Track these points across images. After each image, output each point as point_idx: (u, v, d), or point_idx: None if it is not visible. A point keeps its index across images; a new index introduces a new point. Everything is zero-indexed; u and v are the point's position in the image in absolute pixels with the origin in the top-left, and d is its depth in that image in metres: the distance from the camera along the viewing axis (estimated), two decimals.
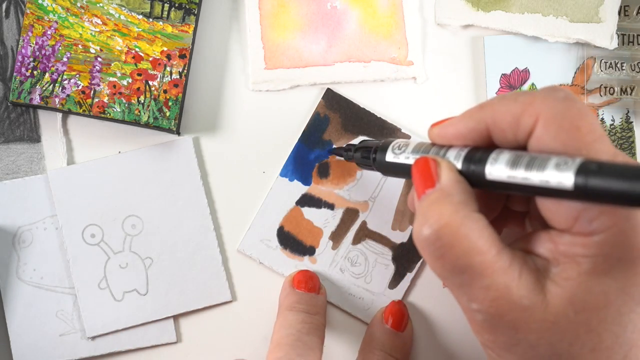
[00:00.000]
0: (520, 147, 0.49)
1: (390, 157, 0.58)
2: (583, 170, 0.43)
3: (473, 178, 0.50)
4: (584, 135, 0.46)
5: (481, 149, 0.50)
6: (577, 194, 0.44)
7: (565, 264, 0.47)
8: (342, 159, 0.68)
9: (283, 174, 0.69)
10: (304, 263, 0.69)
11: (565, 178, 0.44)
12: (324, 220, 0.69)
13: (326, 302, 0.68)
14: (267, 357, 0.60)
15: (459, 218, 0.48)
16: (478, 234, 0.47)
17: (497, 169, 0.48)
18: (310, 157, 0.69)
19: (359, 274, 0.69)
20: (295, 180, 0.69)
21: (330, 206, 0.69)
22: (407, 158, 0.56)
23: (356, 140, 0.69)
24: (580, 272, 0.47)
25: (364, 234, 0.69)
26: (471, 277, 0.47)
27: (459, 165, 0.51)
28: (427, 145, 0.54)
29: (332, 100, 0.69)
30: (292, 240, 0.69)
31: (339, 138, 0.69)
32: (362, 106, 0.70)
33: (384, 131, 0.69)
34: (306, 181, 0.69)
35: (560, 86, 0.48)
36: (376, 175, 0.69)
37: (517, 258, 0.48)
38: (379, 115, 0.70)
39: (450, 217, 0.48)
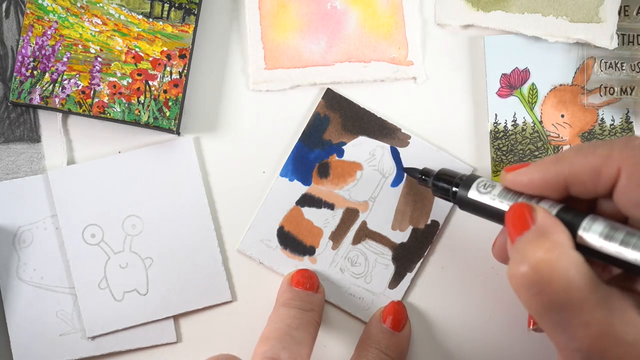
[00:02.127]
0: (598, 197, 0.50)
1: (474, 194, 0.58)
2: None
3: None
4: None
5: (573, 211, 0.51)
6: None
7: None
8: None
9: (283, 174, 0.69)
10: (304, 263, 0.69)
11: None
12: (324, 220, 0.69)
13: (324, 301, 0.68)
14: (254, 350, 0.60)
15: (557, 254, 0.48)
16: (576, 270, 0.47)
17: (589, 237, 0.49)
18: (310, 157, 0.69)
19: (359, 274, 0.69)
20: (295, 180, 0.69)
21: (330, 206, 0.69)
22: (492, 200, 0.56)
23: (357, 141, 0.69)
24: None
25: (364, 233, 0.69)
26: (570, 313, 0.47)
27: None
28: (515, 193, 0.55)
29: (332, 100, 0.70)
30: (292, 240, 0.69)
31: (339, 138, 0.69)
32: (362, 106, 0.70)
33: (384, 131, 0.69)
34: (306, 181, 0.69)
35: (637, 135, 0.50)
36: (376, 175, 0.69)
37: (616, 294, 0.48)
38: (379, 115, 0.70)
39: (547, 253, 0.48)
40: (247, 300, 0.70)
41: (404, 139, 0.69)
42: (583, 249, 0.49)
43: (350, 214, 0.69)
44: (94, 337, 0.68)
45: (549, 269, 0.47)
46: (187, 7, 0.67)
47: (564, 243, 0.49)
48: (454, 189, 0.60)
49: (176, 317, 0.69)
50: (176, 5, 0.67)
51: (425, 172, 0.65)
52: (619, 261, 0.48)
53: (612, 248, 0.48)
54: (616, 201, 0.50)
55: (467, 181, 0.59)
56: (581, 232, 0.50)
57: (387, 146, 0.69)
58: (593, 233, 0.49)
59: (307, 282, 0.67)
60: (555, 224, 0.50)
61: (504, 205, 0.55)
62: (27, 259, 0.68)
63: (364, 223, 0.69)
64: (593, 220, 0.50)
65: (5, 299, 0.67)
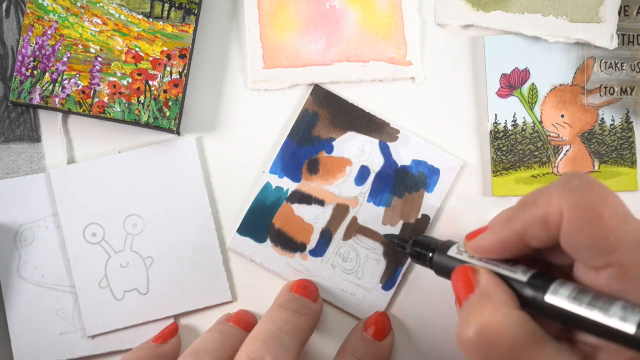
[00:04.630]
0: (557, 242, 0.51)
1: (453, 252, 0.59)
2: None
3: (533, 304, 0.51)
4: (608, 221, 0.47)
5: (544, 276, 0.51)
6: (639, 345, 0.45)
7: (614, 350, 0.48)
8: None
9: (272, 171, 0.69)
10: (295, 259, 0.69)
11: (628, 328, 0.46)
12: (315, 216, 0.69)
13: (320, 312, 0.68)
14: (240, 348, 0.59)
15: (500, 316, 0.49)
16: (520, 330, 0.48)
17: (556, 301, 0.50)
18: (299, 154, 0.69)
19: (351, 269, 0.69)
20: (285, 177, 0.69)
21: (320, 202, 0.69)
22: (470, 257, 0.57)
23: (346, 136, 0.69)
24: (627, 357, 0.47)
25: (355, 229, 0.69)
26: None
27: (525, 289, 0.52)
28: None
29: (321, 96, 0.70)
30: (283, 237, 0.69)
31: (327, 134, 0.69)
32: (350, 101, 0.70)
33: (373, 126, 0.69)
34: (296, 178, 0.69)
35: (575, 172, 0.50)
36: (366, 170, 0.69)
37: (563, 349, 0.49)
38: (367, 110, 0.70)
39: (490, 317, 0.49)
40: (247, 300, 0.70)
41: (393, 134, 0.69)
42: (550, 311, 0.50)
43: (341, 210, 0.69)
44: (94, 336, 0.68)
45: (492, 332, 0.48)
46: (187, 7, 0.68)
47: (506, 303, 0.50)
48: (430, 254, 0.61)
49: (176, 317, 0.69)
50: (176, 5, 0.68)
51: (403, 239, 0.66)
52: (585, 323, 0.48)
53: (580, 311, 0.48)
54: (562, 246, 0.50)
55: (444, 246, 0.60)
56: (549, 297, 0.50)
57: (376, 141, 0.69)
58: (560, 297, 0.49)
59: (307, 288, 0.67)
60: (497, 285, 0.52)
61: (481, 263, 0.56)
62: (28, 258, 0.68)
63: (354, 218, 0.69)
64: (560, 285, 0.50)
65: (6, 297, 0.68)
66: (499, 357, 0.48)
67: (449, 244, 0.60)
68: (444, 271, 0.60)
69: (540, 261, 0.55)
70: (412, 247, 0.64)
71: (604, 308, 0.47)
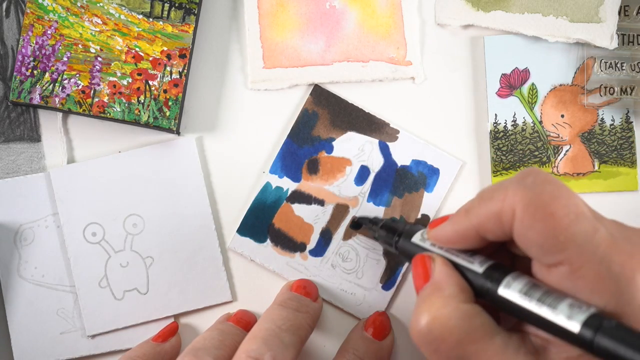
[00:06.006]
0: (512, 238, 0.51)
1: (417, 239, 0.59)
2: (591, 324, 0.46)
3: (487, 296, 0.52)
4: (559, 220, 0.47)
5: (501, 268, 0.52)
6: (582, 344, 0.46)
7: (564, 345, 0.48)
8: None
9: (272, 171, 0.69)
10: (295, 259, 0.69)
11: (573, 326, 0.46)
12: (315, 216, 0.69)
13: (320, 312, 0.67)
14: (240, 346, 0.59)
15: (447, 311, 0.50)
16: (467, 324, 0.49)
17: (508, 294, 0.50)
18: (299, 154, 0.69)
19: (351, 269, 0.69)
20: (285, 177, 0.69)
21: (321, 202, 0.69)
22: (432, 246, 0.57)
23: (346, 136, 0.69)
24: (580, 351, 0.47)
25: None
26: None
27: (480, 280, 0.53)
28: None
29: (321, 96, 0.70)
30: (283, 237, 0.69)
31: (327, 134, 0.69)
32: (350, 102, 0.70)
33: (373, 126, 0.69)
34: (296, 178, 0.69)
35: (531, 169, 0.51)
36: (366, 170, 0.69)
37: (513, 341, 0.49)
38: (367, 111, 0.70)
39: (438, 311, 0.50)
40: (247, 300, 0.70)
41: (393, 134, 0.70)
42: (503, 304, 0.51)
43: (341, 210, 0.69)
44: (94, 336, 0.68)
45: (441, 326, 0.49)
46: (187, 6, 0.68)
47: (455, 296, 0.51)
48: (396, 238, 0.62)
49: (176, 317, 0.69)
50: (176, 5, 0.68)
51: (373, 221, 0.67)
52: (534, 319, 0.49)
53: (529, 305, 0.49)
54: (515, 242, 0.50)
55: (410, 231, 0.60)
56: (501, 290, 0.51)
57: (376, 141, 0.69)
58: (512, 291, 0.50)
59: (307, 287, 0.67)
60: (450, 276, 0.52)
61: (442, 252, 0.56)
62: (28, 257, 0.68)
63: (354, 218, 0.69)
64: (514, 279, 0.51)
65: (6, 297, 0.68)
66: (447, 351, 0.49)
67: (415, 230, 0.60)
68: (408, 256, 0.60)
69: (505, 251, 0.55)
70: (381, 230, 0.64)
71: (552, 305, 0.47)
